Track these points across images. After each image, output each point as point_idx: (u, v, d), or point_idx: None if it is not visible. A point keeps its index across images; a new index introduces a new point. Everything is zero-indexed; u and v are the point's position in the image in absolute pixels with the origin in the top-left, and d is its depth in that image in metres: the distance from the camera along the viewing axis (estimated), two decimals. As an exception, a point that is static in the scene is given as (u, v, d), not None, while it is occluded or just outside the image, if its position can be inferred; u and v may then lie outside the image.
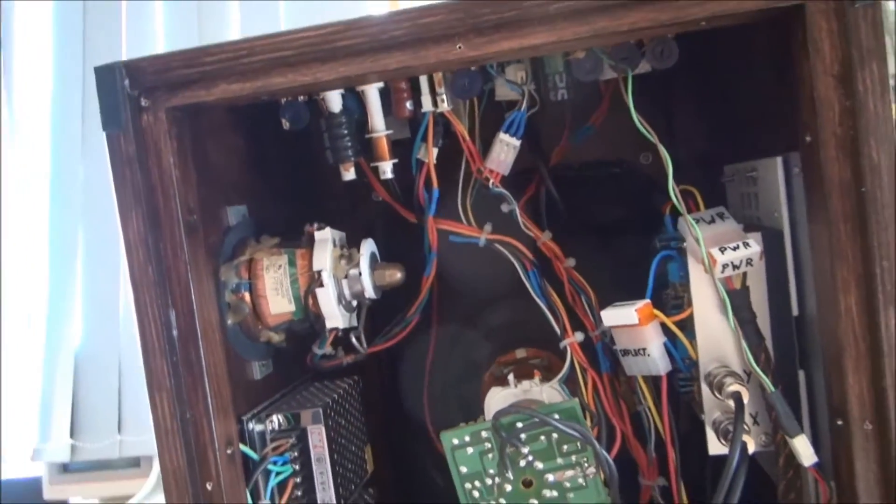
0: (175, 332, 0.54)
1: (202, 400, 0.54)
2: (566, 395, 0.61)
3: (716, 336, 0.56)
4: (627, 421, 0.64)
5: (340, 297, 0.61)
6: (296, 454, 0.61)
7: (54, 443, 1.58)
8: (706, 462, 0.62)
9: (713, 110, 0.73)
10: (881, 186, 0.46)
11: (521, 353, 0.70)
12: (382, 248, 0.66)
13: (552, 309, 0.64)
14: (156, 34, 1.21)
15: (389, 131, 0.62)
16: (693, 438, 0.61)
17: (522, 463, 0.59)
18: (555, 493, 0.59)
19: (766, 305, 0.55)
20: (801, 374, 0.56)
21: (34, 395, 1.49)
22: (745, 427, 0.53)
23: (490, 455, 0.59)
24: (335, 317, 0.60)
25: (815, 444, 0.53)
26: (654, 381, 0.59)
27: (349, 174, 0.63)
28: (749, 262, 0.53)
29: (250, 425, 0.60)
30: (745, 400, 0.53)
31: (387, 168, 0.63)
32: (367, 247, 0.63)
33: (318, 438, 0.61)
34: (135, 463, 1.58)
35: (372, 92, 0.60)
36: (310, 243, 0.62)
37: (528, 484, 0.59)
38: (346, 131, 0.62)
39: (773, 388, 0.52)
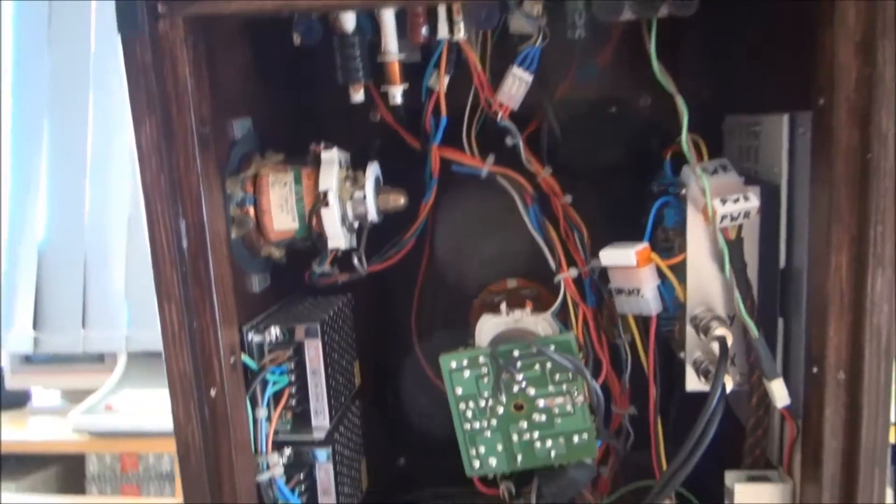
0: (185, 244, 0.54)
1: (209, 310, 0.55)
2: (558, 328, 0.63)
3: (705, 282, 0.58)
4: (606, 352, 0.68)
5: (344, 218, 0.61)
6: (292, 366, 0.63)
7: (16, 332, 1.57)
8: (673, 396, 0.66)
9: (719, 64, 0.73)
10: (886, 155, 0.48)
11: (511, 283, 0.72)
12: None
13: (549, 243, 0.66)
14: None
15: (402, 55, 0.62)
16: (664, 374, 0.64)
17: (515, 388, 0.62)
18: (543, 418, 0.62)
19: (756, 256, 0.58)
20: (781, 322, 0.59)
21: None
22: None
23: (485, 379, 0.62)
24: (338, 237, 0.61)
25: (787, 387, 0.57)
26: (643, 320, 0.62)
27: (358, 96, 0.63)
28: (747, 214, 0.55)
29: (249, 336, 0.61)
30: (730, 343, 0.56)
31: (397, 93, 0.63)
32: (373, 170, 0.63)
33: (314, 352, 0.63)
34: (98, 359, 1.59)
35: (388, 14, 0.60)
36: (315, 162, 0.62)
37: (519, 407, 0.63)
38: (357, 52, 0.61)
39: (757, 334, 0.56)
